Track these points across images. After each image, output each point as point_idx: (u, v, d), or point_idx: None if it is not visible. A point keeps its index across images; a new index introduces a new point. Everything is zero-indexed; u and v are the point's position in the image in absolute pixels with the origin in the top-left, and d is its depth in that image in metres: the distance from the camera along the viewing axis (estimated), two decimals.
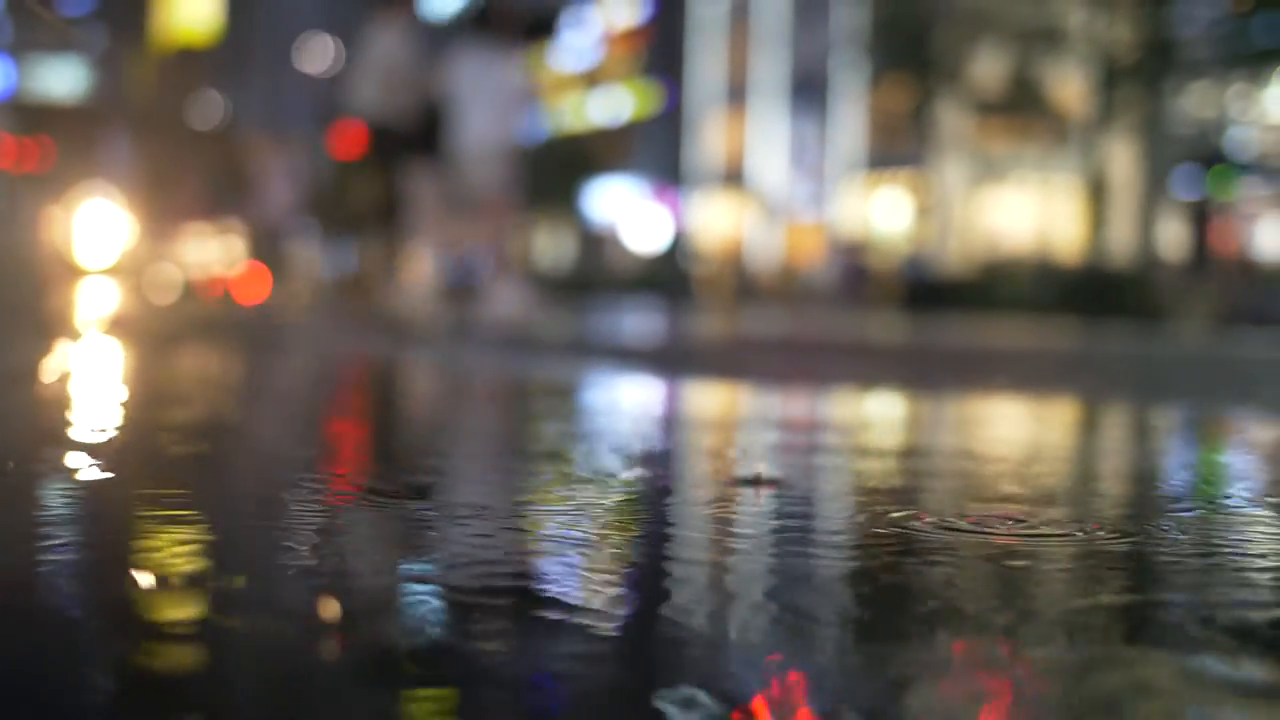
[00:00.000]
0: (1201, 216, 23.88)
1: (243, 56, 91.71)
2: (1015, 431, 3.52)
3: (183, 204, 69.14)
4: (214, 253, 50.53)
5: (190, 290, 30.22)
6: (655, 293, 33.87)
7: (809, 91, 43.76)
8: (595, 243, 53.21)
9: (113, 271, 31.54)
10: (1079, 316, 21.27)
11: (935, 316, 21.19)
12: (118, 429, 2.76)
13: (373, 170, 11.57)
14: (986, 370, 6.51)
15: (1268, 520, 1.97)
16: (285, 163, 68.82)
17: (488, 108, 11.01)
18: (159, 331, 8.64)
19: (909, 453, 2.86)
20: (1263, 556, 1.67)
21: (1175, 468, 2.87)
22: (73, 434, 2.63)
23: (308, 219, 60.24)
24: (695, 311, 20.98)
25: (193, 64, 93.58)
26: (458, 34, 11.68)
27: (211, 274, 38.99)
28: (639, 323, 13.12)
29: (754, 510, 1.90)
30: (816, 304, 28.88)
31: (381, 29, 11.58)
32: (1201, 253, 23.72)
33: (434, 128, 11.06)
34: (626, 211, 51.89)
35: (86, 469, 2.13)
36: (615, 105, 55.04)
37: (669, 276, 38.98)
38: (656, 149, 51.47)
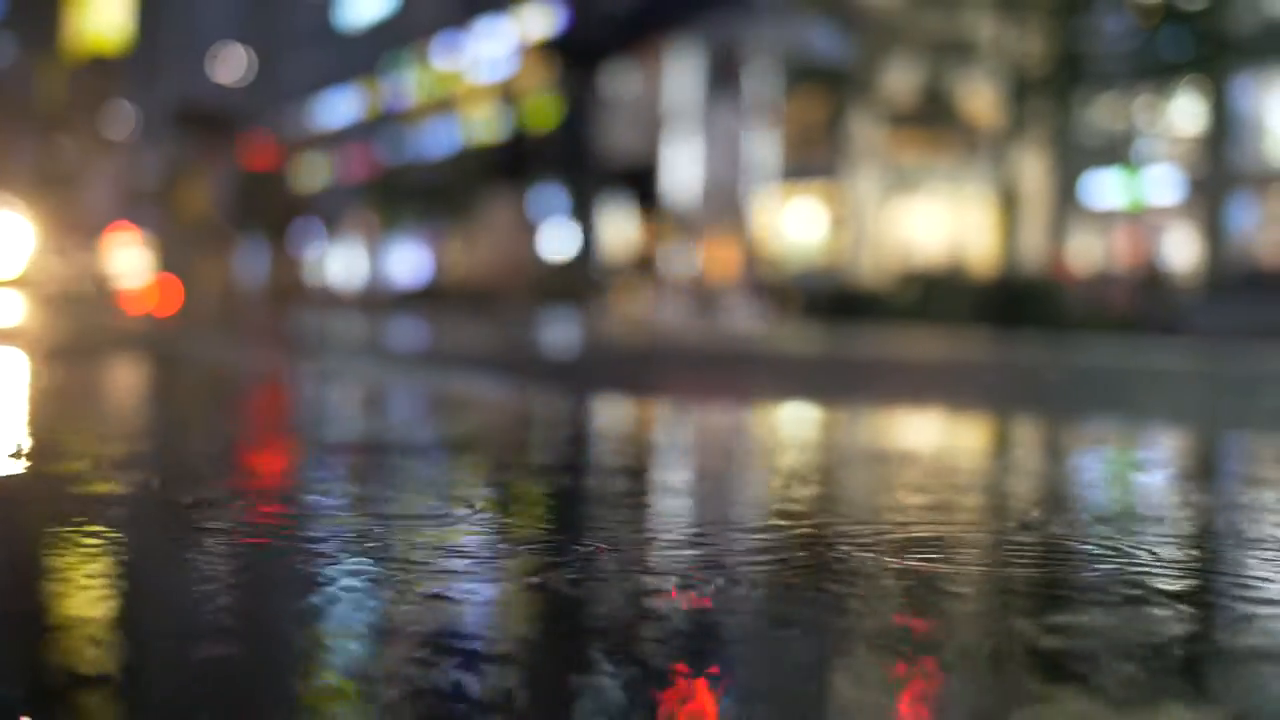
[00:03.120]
0: None
1: (154, 65, 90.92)
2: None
3: (93, 214, 68.49)
4: (126, 263, 50.02)
5: (101, 301, 29.89)
6: (569, 303, 33.85)
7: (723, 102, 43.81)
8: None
9: (20, 283, 31.16)
10: (990, 327, 21.44)
11: (841, 328, 21.28)
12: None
13: (624, 205, 12.62)
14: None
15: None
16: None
17: (720, 151, 12.05)
18: (67, 342, 8.53)
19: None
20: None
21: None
22: None
23: (225, 226, 59.82)
24: (608, 322, 20.98)
25: (104, 72, 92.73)
26: (697, 81, 12.59)
27: (123, 285, 38.58)
28: (548, 336, 13.11)
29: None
30: (725, 315, 28.87)
31: (634, 67, 12.72)
32: None
33: (659, 162, 11.98)
34: (541, 222, 51.82)
35: None
36: (530, 117, 54.98)
37: (583, 287, 38.91)
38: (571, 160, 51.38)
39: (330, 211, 64.99)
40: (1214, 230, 31.79)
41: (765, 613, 1.38)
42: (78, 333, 10.69)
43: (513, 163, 18.64)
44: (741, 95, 12.44)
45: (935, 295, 26.36)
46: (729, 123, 11.60)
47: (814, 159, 39.78)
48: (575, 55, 20.23)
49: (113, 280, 40.13)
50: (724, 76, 12.19)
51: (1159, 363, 9.64)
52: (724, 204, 11.68)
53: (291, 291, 48.77)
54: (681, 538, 1.74)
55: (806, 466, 2.72)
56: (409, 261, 61.11)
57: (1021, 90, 28.72)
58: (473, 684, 1.06)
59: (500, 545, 1.66)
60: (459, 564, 1.49)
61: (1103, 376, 7.68)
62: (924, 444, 3.39)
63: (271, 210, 59.39)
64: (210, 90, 77.46)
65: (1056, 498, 2.25)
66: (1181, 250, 32.63)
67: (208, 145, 64.59)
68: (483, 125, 57.85)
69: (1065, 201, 34.46)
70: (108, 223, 68.28)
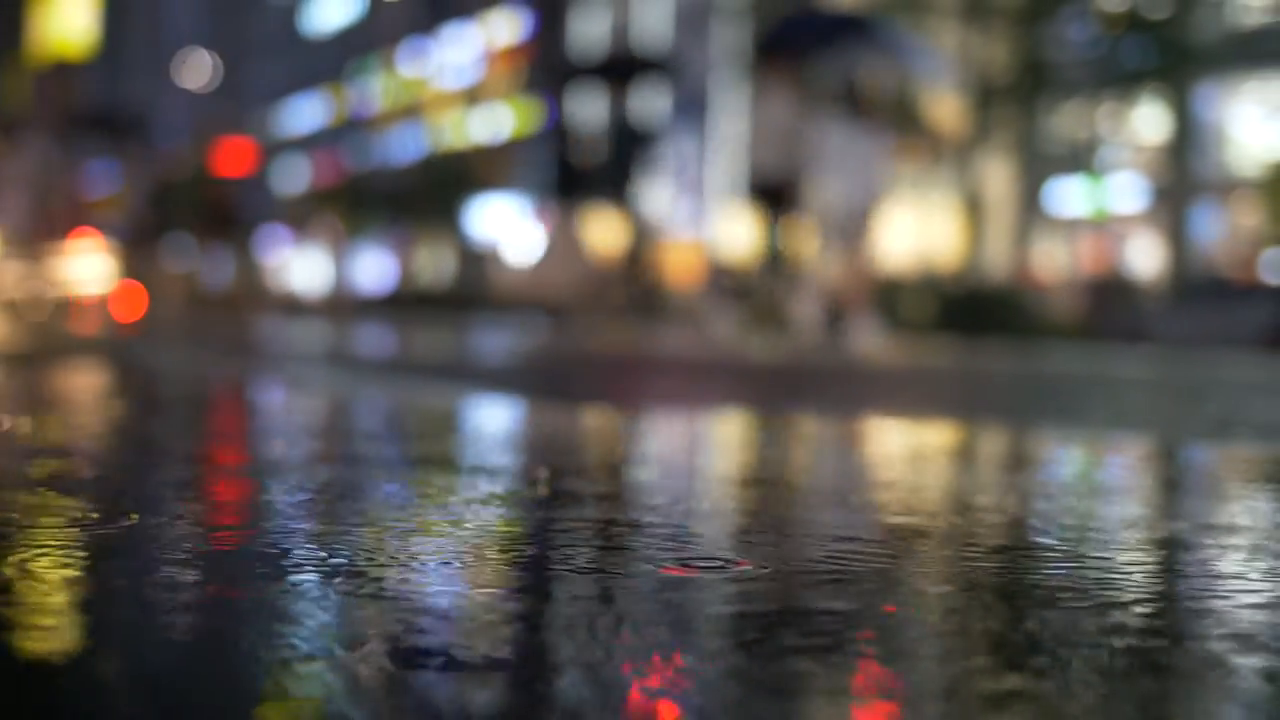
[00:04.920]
0: None
1: (119, 70, 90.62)
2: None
3: (56, 220, 68.12)
4: (89, 269, 49.76)
5: (63, 308, 29.77)
6: (534, 310, 33.84)
7: (690, 109, 43.93)
8: (475, 260, 53.15)
9: None
10: (956, 333, 21.47)
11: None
12: None
13: (762, 221, 13.74)
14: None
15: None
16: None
17: (849, 174, 13.11)
18: (28, 349, 8.48)
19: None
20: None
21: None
22: None
23: (179, 233, 59.66)
24: (574, 329, 20.96)
25: (69, 77, 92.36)
26: (827, 107, 13.76)
27: (87, 291, 38.40)
28: (512, 342, 13.09)
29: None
30: (693, 322, 28.89)
31: (769, 90, 13.93)
32: None
33: (802, 184, 13.08)
34: (507, 229, 51.84)
35: None
36: (496, 122, 55.01)
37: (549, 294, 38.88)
38: (537, 166, 51.47)
39: (267, 216, 64.84)
40: (1178, 238, 31.96)
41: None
42: (41, 339, 10.62)
43: (563, 171, 19.21)
44: (870, 121, 13.64)
45: (902, 301, 26.43)
46: (859, 146, 12.63)
47: None
48: (617, 74, 21.13)
49: (76, 286, 39.96)
50: (853, 103, 13.35)
51: (1121, 370, 9.67)
52: (853, 223, 12.74)
53: (254, 298, 48.49)
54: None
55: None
56: (374, 268, 61.05)
57: (986, 98, 28.84)
58: None
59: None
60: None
61: (1065, 384, 7.70)
62: (886, 454, 3.38)
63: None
64: (176, 96, 77.25)
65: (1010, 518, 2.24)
66: (1146, 258, 32.80)
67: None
68: (450, 130, 57.82)
69: (1030, 209, 34.61)
70: (71, 228, 67.86)
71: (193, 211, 59.62)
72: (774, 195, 13.87)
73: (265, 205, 65.88)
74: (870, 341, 13.19)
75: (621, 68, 21.28)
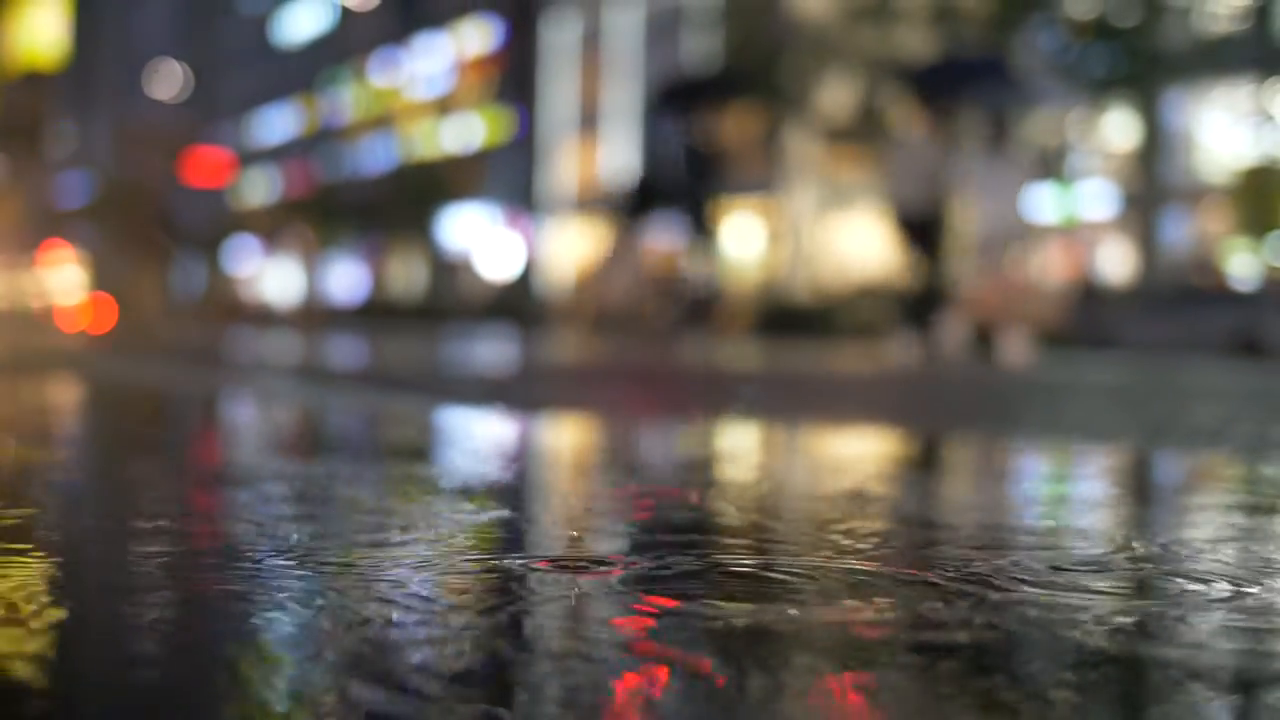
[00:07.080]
0: None
1: (90, 81, 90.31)
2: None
3: (27, 231, 67.94)
4: (60, 281, 49.69)
5: (33, 319, 29.63)
6: (508, 320, 33.85)
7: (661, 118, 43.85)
8: (448, 270, 53.10)
9: None
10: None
11: (794, 344, 21.35)
12: None
13: (916, 254, 14.53)
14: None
15: None
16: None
17: (993, 204, 14.31)
18: None
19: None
20: None
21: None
22: None
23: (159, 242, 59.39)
24: (548, 340, 20.97)
25: (39, 88, 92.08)
26: (973, 143, 15.16)
27: (57, 302, 38.28)
28: (487, 353, 13.10)
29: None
30: (665, 331, 28.93)
31: (915, 128, 15.13)
32: None
33: (945, 218, 14.21)
34: (479, 239, 51.81)
35: None
36: (468, 132, 54.95)
37: (522, 304, 38.94)
38: (509, 176, 51.44)
39: (222, 227, 64.49)
40: (1147, 244, 32.06)
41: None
42: (10, 350, 10.60)
43: (641, 190, 19.82)
44: (1013, 155, 15.07)
45: (882, 309, 26.49)
46: (1003, 178, 13.89)
47: (751, 174, 39.96)
48: (685, 101, 21.86)
49: (47, 297, 39.86)
50: (997, 139, 14.73)
51: (1091, 376, 9.73)
52: (998, 250, 14.02)
53: (225, 308, 48.34)
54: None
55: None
56: (346, 278, 60.94)
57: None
58: None
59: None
60: None
61: (1037, 391, 7.75)
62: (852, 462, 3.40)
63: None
64: (148, 106, 76.99)
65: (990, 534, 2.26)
66: (1115, 264, 32.90)
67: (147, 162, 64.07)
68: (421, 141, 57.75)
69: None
70: (42, 240, 67.64)
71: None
72: (918, 228, 15.06)
73: (209, 214, 65.61)
74: (1020, 355, 14.30)
75: (695, 89, 22.08)
